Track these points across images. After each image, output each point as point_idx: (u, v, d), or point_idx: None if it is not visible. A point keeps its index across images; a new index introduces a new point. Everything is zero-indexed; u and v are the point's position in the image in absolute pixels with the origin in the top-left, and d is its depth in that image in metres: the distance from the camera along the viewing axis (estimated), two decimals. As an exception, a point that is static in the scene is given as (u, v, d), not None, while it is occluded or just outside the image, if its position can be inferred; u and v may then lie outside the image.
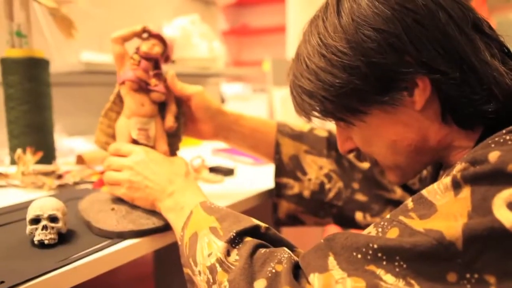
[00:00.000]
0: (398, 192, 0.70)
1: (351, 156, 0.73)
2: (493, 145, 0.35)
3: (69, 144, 1.16)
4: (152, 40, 0.63)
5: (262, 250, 0.44)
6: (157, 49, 0.62)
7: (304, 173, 0.73)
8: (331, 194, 0.72)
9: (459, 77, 0.43)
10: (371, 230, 0.39)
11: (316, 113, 0.51)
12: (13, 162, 0.93)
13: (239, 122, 0.71)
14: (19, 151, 0.81)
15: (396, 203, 0.70)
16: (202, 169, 0.89)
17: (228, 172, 0.89)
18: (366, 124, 0.49)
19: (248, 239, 0.46)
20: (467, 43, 0.44)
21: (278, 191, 0.74)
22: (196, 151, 1.11)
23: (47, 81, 0.95)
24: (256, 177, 0.89)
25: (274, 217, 0.76)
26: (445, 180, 0.36)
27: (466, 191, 0.34)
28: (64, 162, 0.99)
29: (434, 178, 0.59)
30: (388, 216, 0.39)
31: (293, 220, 0.76)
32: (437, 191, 0.36)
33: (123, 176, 0.58)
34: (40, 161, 0.84)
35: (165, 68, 0.67)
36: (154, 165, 0.58)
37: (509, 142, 0.35)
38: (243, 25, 4.59)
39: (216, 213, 0.50)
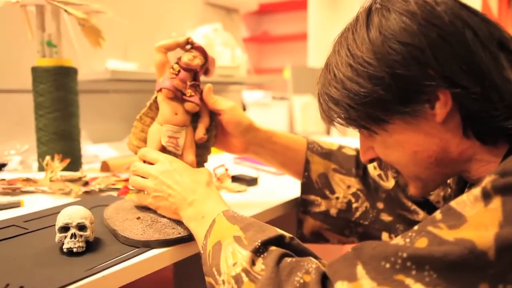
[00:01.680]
0: (421, 214, 0.69)
1: (375, 176, 0.73)
2: None
3: (94, 151, 1.18)
4: (194, 52, 0.64)
5: (288, 259, 0.44)
6: (197, 61, 0.64)
7: (332, 191, 0.73)
8: (357, 213, 0.72)
9: (480, 93, 0.44)
10: (398, 241, 0.38)
11: (340, 120, 0.53)
12: (41, 168, 0.95)
13: (272, 139, 0.72)
14: (47, 158, 0.83)
15: None
16: (225, 178, 0.89)
17: (252, 181, 0.88)
18: (388, 133, 0.50)
19: (273, 248, 0.46)
20: (491, 61, 0.45)
21: (304, 208, 0.74)
22: (219, 159, 1.11)
23: (75, 89, 0.97)
24: (280, 186, 0.89)
25: (298, 233, 0.76)
26: (475, 191, 0.35)
27: (496, 202, 0.33)
28: (89, 169, 1.01)
29: (460, 194, 0.57)
30: (416, 227, 0.38)
31: (317, 237, 0.75)
32: (467, 202, 0.36)
33: (148, 184, 0.59)
34: (67, 168, 0.86)
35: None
36: (177, 175, 0.58)
37: None
38: (264, 32, 4.61)
39: (239, 222, 0.50)
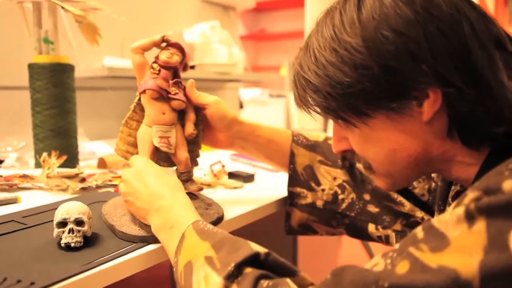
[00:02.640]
0: (407, 205, 0.69)
1: (361, 167, 0.72)
2: (506, 173, 0.33)
3: (91, 148, 1.19)
4: (171, 49, 0.64)
5: (265, 283, 0.40)
6: (176, 58, 0.63)
7: (318, 183, 0.73)
8: (344, 205, 0.72)
9: (473, 94, 0.42)
10: (379, 261, 0.36)
11: (317, 109, 0.49)
12: (37, 165, 0.96)
13: (255, 132, 0.71)
14: (44, 154, 0.83)
15: (406, 216, 0.69)
16: (221, 175, 0.90)
17: (248, 178, 0.89)
18: (368, 128, 0.47)
19: (248, 270, 0.42)
20: (487, 60, 0.42)
21: (291, 200, 0.74)
22: (215, 156, 1.12)
23: (72, 86, 0.97)
24: (276, 182, 0.89)
25: (286, 226, 0.76)
26: (458, 211, 0.33)
27: (480, 224, 0.31)
28: (86, 166, 1.01)
29: (445, 191, 0.57)
30: (397, 246, 0.36)
31: (306, 229, 0.76)
32: (449, 222, 0.33)
33: (121, 188, 0.59)
34: (64, 165, 0.86)
35: (186, 74, 0.68)
36: (146, 176, 0.56)
37: None
38: (261, 30, 4.61)
39: (211, 238, 0.47)
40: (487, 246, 0.30)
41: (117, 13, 1.01)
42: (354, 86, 0.44)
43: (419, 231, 0.35)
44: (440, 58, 0.41)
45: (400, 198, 0.70)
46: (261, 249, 0.44)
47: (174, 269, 0.49)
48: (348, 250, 2.11)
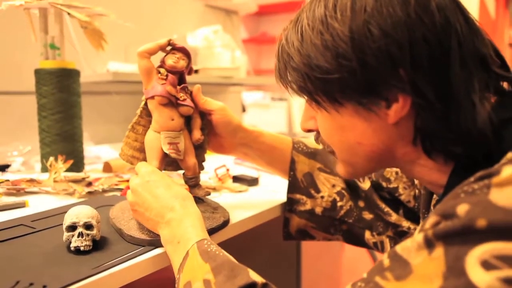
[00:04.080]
0: (394, 216, 0.70)
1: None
2: (462, 195, 0.33)
3: (96, 152, 1.20)
4: (177, 53, 0.64)
5: None
6: (182, 63, 0.63)
7: (317, 190, 0.74)
8: (342, 212, 0.73)
9: (440, 111, 0.42)
10: None
11: (294, 86, 0.49)
12: (43, 169, 0.97)
13: (258, 139, 0.72)
14: (51, 158, 0.84)
15: (394, 225, 0.70)
16: (226, 179, 0.91)
17: (253, 181, 0.90)
18: (338, 115, 0.47)
19: None
20: (464, 80, 0.41)
21: (290, 206, 0.75)
22: (220, 160, 1.12)
23: (78, 91, 0.98)
24: (280, 186, 0.90)
25: (284, 231, 0.77)
26: (418, 238, 0.34)
27: (439, 250, 0.32)
28: (91, 170, 1.02)
29: (428, 199, 0.58)
30: (365, 275, 0.37)
31: (303, 235, 0.77)
32: (411, 249, 0.34)
33: (128, 197, 0.59)
34: (70, 169, 0.87)
35: (189, 78, 0.68)
36: (154, 187, 0.57)
37: (478, 192, 0.32)
38: (263, 33, 4.62)
39: (211, 260, 0.47)
40: (446, 272, 0.31)
41: (120, 18, 1.02)
42: (332, 74, 0.44)
43: (385, 259, 0.36)
44: (419, 67, 0.41)
45: (387, 209, 0.71)
46: (259, 279, 0.44)
47: (176, 285, 0.50)
48: (351, 253, 2.11)
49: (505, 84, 0.45)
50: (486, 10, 3.45)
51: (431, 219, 0.34)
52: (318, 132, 0.54)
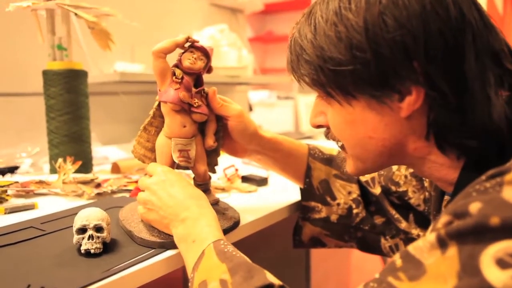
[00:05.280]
0: (403, 223, 0.69)
1: (363, 182, 0.73)
2: (474, 194, 0.33)
3: (104, 152, 1.19)
4: (195, 52, 0.59)
5: None
6: (199, 64, 0.59)
7: (334, 197, 0.72)
8: (358, 219, 0.72)
9: (455, 104, 0.41)
10: None
11: (306, 79, 0.48)
12: (52, 170, 0.96)
13: (275, 146, 0.70)
14: (60, 160, 0.84)
15: (404, 232, 0.70)
16: (235, 179, 0.90)
17: (262, 181, 0.89)
18: (351, 108, 0.46)
19: None
20: (479, 73, 0.41)
21: (304, 214, 0.74)
22: (229, 160, 1.12)
23: (85, 92, 0.98)
24: (289, 186, 0.89)
25: (295, 239, 0.76)
26: (430, 237, 0.33)
27: (453, 249, 0.32)
28: (99, 170, 1.02)
29: (439, 200, 0.56)
30: (377, 275, 0.36)
31: (315, 243, 0.76)
32: (423, 249, 0.34)
33: (142, 195, 0.58)
34: (78, 170, 0.87)
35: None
36: (170, 187, 0.56)
37: (490, 190, 0.32)
38: (269, 32, 4.61)
39: (228, 260, 0.47)
40: (460, 272, 0.30)
41: (126, 18, 1.01)
42: (345, 65, 0.43)
43: (397, 259, 0.36)
44: (433, 60, 0.41)
45: (397, 215, 0.70)
46: (276, 281, 0.44)
47: (189, 283, 0.49)
48: (360, 252, 2.10)
49: None
50: (494, 6, 3.42)
51: (443, 218, 0.34)
52: (328, 128, 0.53)
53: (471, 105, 0.41)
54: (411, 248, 0.35)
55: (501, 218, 0.30)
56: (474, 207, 0.32)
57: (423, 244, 0.34)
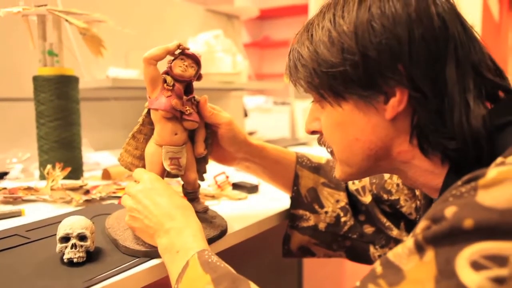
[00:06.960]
0: (395, 230, 0.69)
1: (353, 190, 0.73)
2: (450, 199, 0.34)
3: (95, 158, 1.19)
4: (185, 60, 0.59)
5: None
6: (190, 71, 0.59)
7: (321, 205, 0.73)
8: (346, 227, 0.72)
9: (436, 106, 0.44)
10: None
11: (302, 83, 0.52)
12: (42, 176, 0.96)
13: (262, 153, 0.71)
14: (48, 166, 0.83)
15: (394, 240, 0.70)
16: (226, 186, 0.90)
17: (252, 189, 0.89)
18: (341, 110, 0.49)
19: None
20: (459, 78, 0.44)
21: (293, 223, 0.74)
22: (219, 167, 1.11)
23: (76, 98, 0.98)
24: (280, 194, 0.88)
25: (284, 249, 0.75)
26: (408, 243, 0.34)
27: (430, 254, 0.32)
28: (91, 176, 1.01)
29: (428, 207, 0.57)
30: (358, 283, 0.37)
31: (304, 252, 0.75)
32: (402, 255, 0.34)
33: (127, 202, 0.58)
34: (68, 176, 0.87)
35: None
36: (156, 195, 0.56)
37: (465, 195, 0.33)
38: (265, 37, 4.62)
39: (212, 271, 0.47)
40: (437, 276, 0.31)
41: (120, 24, 1.01)
42: (337, 68, 0.47)
43: (377, 266, 0.36)
44: (417, 63, 0.44)
45: (388, 223, 0.70)
46: None
47: None
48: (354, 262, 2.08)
49: (500, 93, 0.47)
50: (489, 13, 3.44)
51: (422, 224, 0.35)
52: (321, 134, 0.55)
53: (450, 108, 0.44)
54: (391, 254, 0.36)
55: (475, 220, 0.30)
56: (450, 211, 0.32)
57: (402, 250, 0.35)
